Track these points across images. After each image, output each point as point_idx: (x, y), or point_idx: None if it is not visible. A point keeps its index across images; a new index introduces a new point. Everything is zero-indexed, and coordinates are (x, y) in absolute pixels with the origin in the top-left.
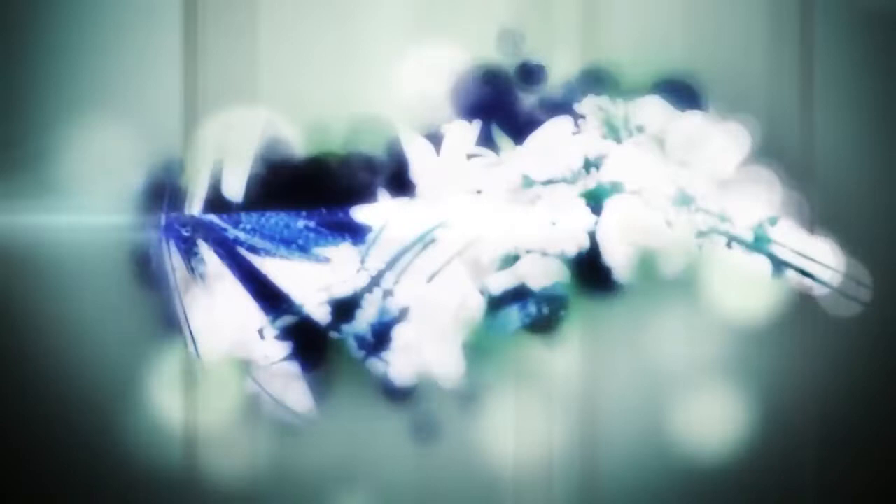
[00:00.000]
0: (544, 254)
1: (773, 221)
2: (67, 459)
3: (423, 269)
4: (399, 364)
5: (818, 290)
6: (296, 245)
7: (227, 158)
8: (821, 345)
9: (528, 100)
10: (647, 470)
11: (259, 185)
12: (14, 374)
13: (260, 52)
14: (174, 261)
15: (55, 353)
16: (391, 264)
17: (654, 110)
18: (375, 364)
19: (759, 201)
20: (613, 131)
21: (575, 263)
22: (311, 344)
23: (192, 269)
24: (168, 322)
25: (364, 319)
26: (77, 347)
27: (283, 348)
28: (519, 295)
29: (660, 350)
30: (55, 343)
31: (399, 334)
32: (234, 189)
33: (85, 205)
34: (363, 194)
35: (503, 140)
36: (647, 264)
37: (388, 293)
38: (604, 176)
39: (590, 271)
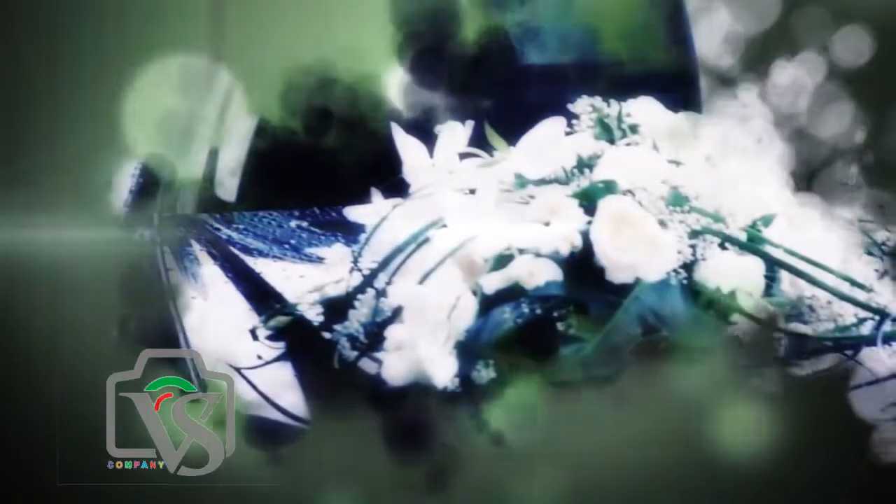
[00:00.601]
0: (538, 254)
1: (766, 221)
2: (67, 462)
3: (417, 269)
4: (392, 364)
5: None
6: (288, 245)
7: (220, 146)
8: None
9: None
10: (650, 474)
11: (252, 179)
12: (14, 380)
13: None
14: (168, 261)
15: (53, 358)
16: (384, 264)
17: (647, 109)
18: (368, 364)
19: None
20: (606, 131)
21: (568, 263)
22: (304, 344)
23: (185, 269)
24: (163, 324)
25: (357, 319)
26: (73, 351)
27: (275, 348)
28: (512, 295)
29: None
30: (52, 348)
31: (392, 334)
32: (228, 183)
33: (83, 213)
34: (356, 193)
35: (496, 140)
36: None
37: (380, 293)
38: (597, 175)
39: (583, 271)
